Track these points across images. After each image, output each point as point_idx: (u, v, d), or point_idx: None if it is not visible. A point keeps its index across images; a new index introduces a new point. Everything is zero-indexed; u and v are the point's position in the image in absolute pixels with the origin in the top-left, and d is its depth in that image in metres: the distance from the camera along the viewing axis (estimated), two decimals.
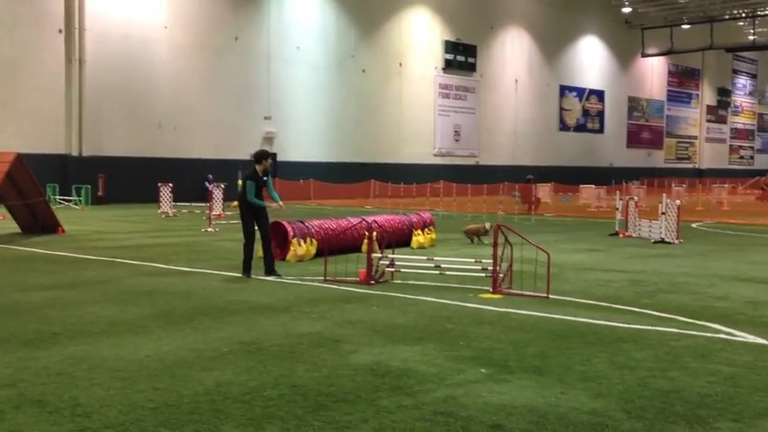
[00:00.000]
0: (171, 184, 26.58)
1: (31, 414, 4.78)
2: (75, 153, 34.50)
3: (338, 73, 44.90)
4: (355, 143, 45.52)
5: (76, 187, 31.75)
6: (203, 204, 26.54)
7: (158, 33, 36.98)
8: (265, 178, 11.14)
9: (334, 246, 12.21)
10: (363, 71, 46.15)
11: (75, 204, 30.45)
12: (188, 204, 27.77)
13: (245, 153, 39.25)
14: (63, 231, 18.21)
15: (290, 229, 12.90)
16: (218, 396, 5.20)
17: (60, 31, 34.01)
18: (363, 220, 12.52)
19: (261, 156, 11.28)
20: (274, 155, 40.85)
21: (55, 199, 29.63)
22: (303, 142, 42.89)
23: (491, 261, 9.59)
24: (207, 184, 34.47)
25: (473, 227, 16.24)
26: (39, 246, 15.37)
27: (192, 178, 36.19)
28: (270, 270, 11.03)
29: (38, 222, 18.19)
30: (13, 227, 18.71)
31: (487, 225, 12.37)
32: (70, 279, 10.77)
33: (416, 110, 49.23)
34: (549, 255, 9.38)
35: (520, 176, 36.53)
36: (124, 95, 35.74)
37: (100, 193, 33.58)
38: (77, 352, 6.37)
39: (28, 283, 10.22)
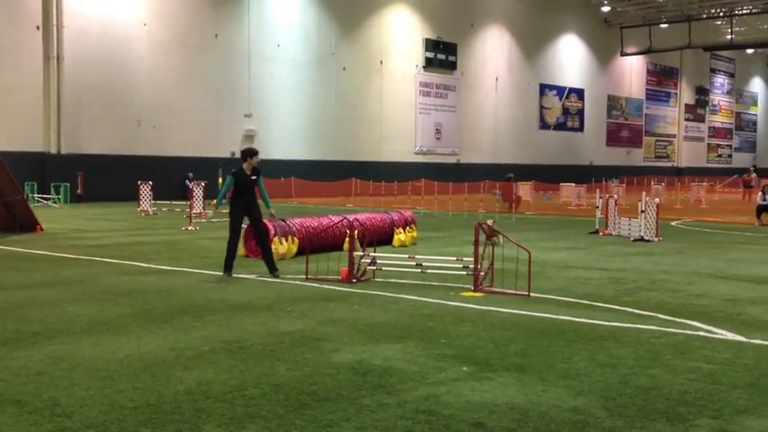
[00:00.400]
0: (151, 183, 26.40)
1: (10, 414, 4.74)
2: (53, 151, 34.18)
3: (319, 71, 44.81)
4: (336, 141, 45.47)
5: (55, 185, 31.44)
6: (184, 203, 26.38)
7: (137, 30, 36.71)
8: (254, 177, 11.01)
9: (315, 244, 12.20)
10: (344, 69, 46.10)
11: (54, 203, 30.16)
12: (168, 203, 27.61)
13: (225, 151, 39.12)
14: (41, 230, 18.03)
15: (270, 227, 12.86)
16: (200, 395, 5.17)
17: (38, 27, 33.66)
18: (345, 218, 12.50)
19: (247, 153, 11.19)
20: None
21: (33, 197, 29.34)
22: (284, 140, 42.77)
23: (472, 259, 9.62)
24: (187, 182, 34.28)
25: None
26: (16, 244, 15.21)
27: (171, 176, 35.95)
28: (271, 268, 10.89)
29: (15, 221, 17.99)
30: None
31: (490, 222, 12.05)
32: (49, 278, 10.67)
33: (397, 108, 49.26)
34: (529, 253, 9.42)
35: (500, 175, 36.67)
36: (103, 93, 35.45)
37: (79, 192, 33.29)
38: (57, 351, 6.31)
39: (6, 282, 10.12)
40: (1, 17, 32.54)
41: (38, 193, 30.73)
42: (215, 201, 11.73)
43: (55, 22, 33.88)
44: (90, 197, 33.26)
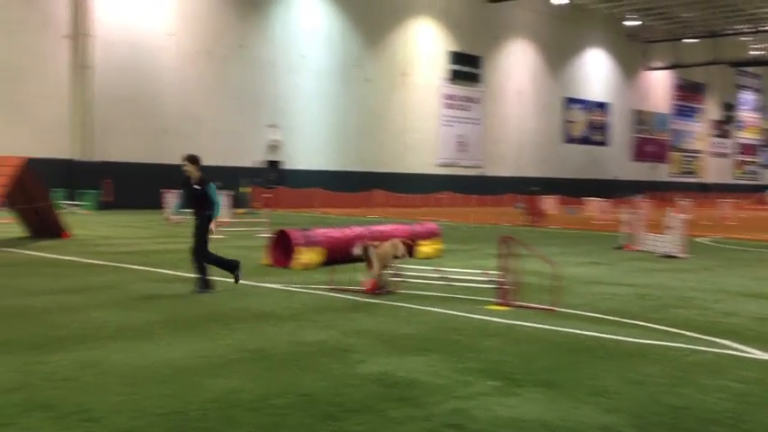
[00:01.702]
0: (176, 191, 26.59)
1: (39, 419, 4.77)
2: (81, 158, 34.59)
3: (343, 81, 45.03)
4: (359, 152, 45.62)
5: (83, 192, 31.79)
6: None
7: (165, 41, 37.13)
8: (197, 187, 10.36)
9: (339, 254, 12.21)
10: (368, 80, 46.28)
11: (81, 209, 30.48)
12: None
13: (249, 161, 39.35)
14: (69, 236, 18.23)
15: (295, 237, 12.89)
16: (227, 404, 5.18)
17: (67, 37, 34.14)
18: (367, 230, 12.50)
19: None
20: (279, 162, 40.94)
21: (61, 204, 29.66)
22: (307, 150, 42.98)
23: (498, 273, 9.57)
24: None
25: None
26: (45, 250, 15.38)
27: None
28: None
29: (44, 227, 18.20)
30: (20, 231, 18.73)
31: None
32: (77, 284, 10.76)
33: (420, 120, 49.34)
34: (555, 267, 9.36)
35: (524, 188, 36.54)
36: (130, 102, 35.87)
37: (106, 199, 33.62)
38: (85, 357, 6.36)
39: (34, 288, 10.22)
40: (31, 27, 33.04)
41: (65, 200, 31.08)
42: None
43: (84, 32, 34.35)
44: (117, 204, 33.58)
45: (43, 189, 17.72)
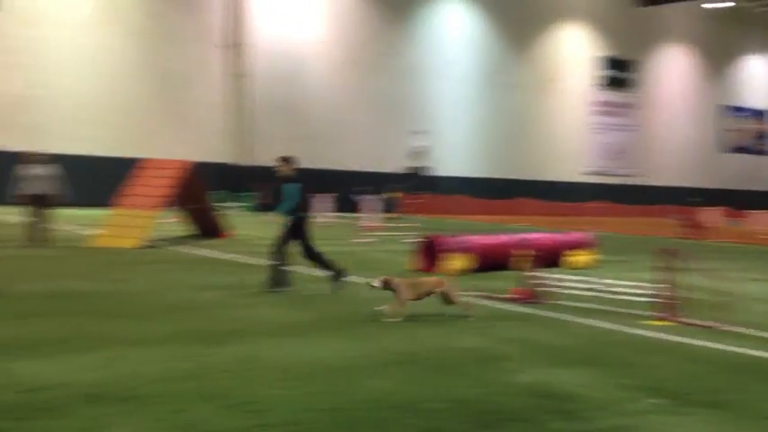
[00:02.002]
0: (325, 195, 27.37)
1: (209, 408, 5.02)
2: (238, 162, 36.31)
3: (488, 87, 44.79)
4: (503, 158, 45.19)
5: (241, 194, 33.36)
6: (356, 215, 27.11)
7: (315, 48, 38.37)
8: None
9: (489, 262, 12.13)
10: (513, 86, 45.79)
11: (240, 211, 31.95)
12: (341, 214, 28.55)
13: (392, 166, 39.90)
14: (229, 236, 19.14)
15: (446, 242, 12.92)
16: (384, 404, 5.25)
17: (222, 46, 35.96)
18: (521, 237, 12.33)
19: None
20: (423, 168, 41.20)
21: (221, 205, 31.23)
22: (451, 156, 43.03)
23: (657, 286, 9.18)
24: (355, 195, 35.25)
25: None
26: (207, 248, 16.22)
27: (343, 189, 37.12)
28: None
29: (206, 227, 19.22)
30: (185, 231, 19.87)
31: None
32: (236, 281, 11.27)
33: (569, 126, 48.24)
34: (723, 283, 8.85)
35: (680, 198, 34.89)
36: (283, 108, 37.32)
37: (263, 201, 35.11)
38: (249, 351, 6.64)
39: (200, 283, 10.79)
40: (189, 36, 35.07)
41: (225, 202, 32.69)
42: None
43: (240, 41, 36.09)
44: (271, 207, 34.96)
45: (205, 191, 18.71)
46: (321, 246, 11.00)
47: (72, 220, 21.23)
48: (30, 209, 15.18)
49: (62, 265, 12.23)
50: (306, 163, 38.64)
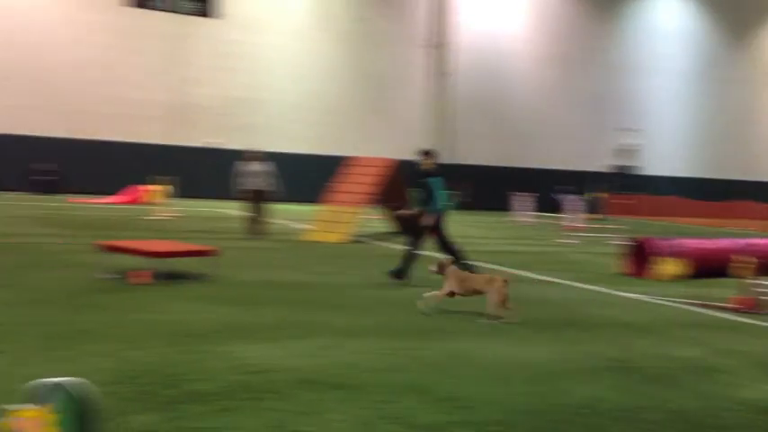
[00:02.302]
0: (527, 194, 27.05)
1: (416, 401, 5.12)
2: (441, 161, 36.79)
3: (702, 83, 42.18)
4: (721, 158, 42.35)
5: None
6: (558, 215, 26.60)
7: (520, 45, 37.96)
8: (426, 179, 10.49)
9: (706, 268, 11.41)
10: (732, 81, 42.73)
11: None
12: (544, 214, 28.09)
13: (595, 165, 38.58)
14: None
15: (658, 246, 12.32)
16: (591, 411, 5.10)
17: (429, 46, 36.54)
18: (746, 242, 11.48)
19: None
20: (631, 167, 39.48)
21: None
22: (662, 155, 40.96)
23: None
24: (558, 195, 34.49)
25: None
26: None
27: (548, 189, 36.48)
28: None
29: (407, 224, 19.63)
30: (387, 227, 20.44)
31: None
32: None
33: None
34: None
35: None
36: (485, 106, 37.31)
37: (465, 200, 35.33)
38: (453, 348, 6.70)
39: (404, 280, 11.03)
40: (393, 38, 35.98)
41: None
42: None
43: (444, 40, 36.49)
44: (471, 206, 35.12)
45: (405, 190, 19.11)
46: (521, 246, 10.87)
47: (285, 215, 22.52)
48: (248, 204, 16.28)
49: (277, 257, 13.02)
50: (507, 161, 38.71)
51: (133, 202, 26.11)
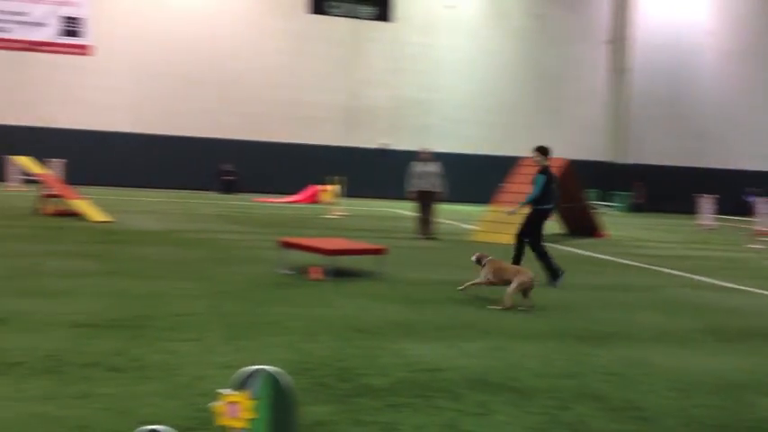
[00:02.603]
0: (713, 196, 25.51)
1: (591, 407, 4.96)
2: (615, 160, 35.52)
3: None
4: None
5: (616, 194, 32.64)
6: (748, 218, 24.88)
7: (703, 40, 35.87)
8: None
9: None
10: None
11: (613, 210, 31.29)
12: (729, 218, 26.37)
13: None
14: (604, 236, 18.83)
15: None
16: None
17: (607, 42, 35.33)
18: None
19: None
20: None
21: (594, 204, 30.90)
22: None
23: None
24: (748, 197, 32.21)
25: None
26: (582, 248, 16.14)
27: (733, 190, 34.24)
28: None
29: (581, 225, 19.14)
30: (558, 228, 20.04)
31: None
32: (614, 282, 11.03)
33: None
34: None
35: None
36: (667, 104, 35.58)
37: (638, 201, 33.92)
38: (630, 354, 6.44)
39: (577, 282, 10.75)
40: (570, 33, 35.08)
41: (599, 201, 32.28)
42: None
43: (624, 36, 35.15)
44: (649, 207, 33.64)
45: (580, 190, 18.60)
46: (705, 250, 10.26)
47: (453, 216, 22.62)
48: (419, 204, 16.45)
49: (446, 257, 13.08)
50: (686, 161, 36.78)
51: (311, 201, 27.22)
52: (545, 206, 10.63)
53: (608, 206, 31.96)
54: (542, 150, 10.80)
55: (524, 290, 8.33)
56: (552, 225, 20.05)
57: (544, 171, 10.64)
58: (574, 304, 8.87)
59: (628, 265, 13.42)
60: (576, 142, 34.72)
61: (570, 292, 9.82)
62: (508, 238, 16.06)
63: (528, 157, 19.34)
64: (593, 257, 14.40)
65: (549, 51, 35.03)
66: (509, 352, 6.31)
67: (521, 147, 32.70)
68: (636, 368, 6.00)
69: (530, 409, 4.86)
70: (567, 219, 19.45)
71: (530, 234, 10.59)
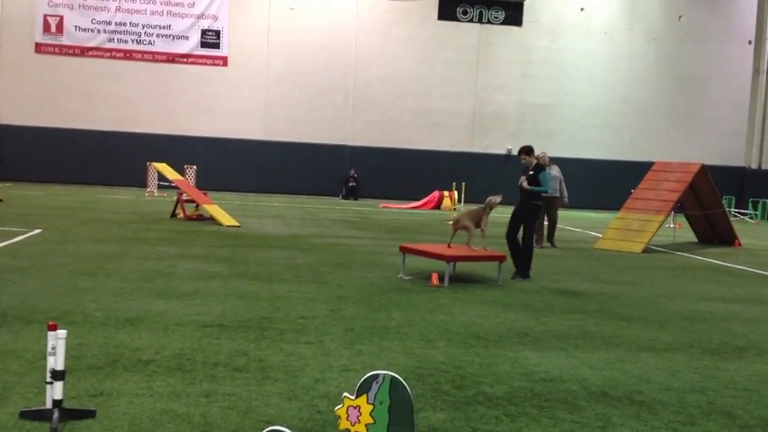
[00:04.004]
0: None
1: (721, 424, 4.73)
2: (753, 166, 33.65)
3: None
4: None
5: (753, 201, 30.91)
6: None
7: None
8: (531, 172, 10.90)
9: None
10: None
11: (751, 218, 29.66)
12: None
13: None
14: (739, 245, 17.88)
15: None
16: None
17: (750, 42, 33.52)
18: None
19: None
20: None
21: (731, 211, 29.37)
22: None
23: None
24: None
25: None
26: (715, 257, 15.38)
27: None
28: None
29: (715, 234, 18.24)
30: (690, 236, 19.17)
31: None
32: (750, 294, 10.45)
33: None
34: None
35: None
36: None
37: None
38: (764, 370, 6.09)
39: (708, 293, 10.28)
40: (715, 33, 33.45)
41: (735, 208, 30.66)
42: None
43: (767, 36, 33.30)
44: None
45: (716, 196, 17.73)
46: None
47: (578, 222, 22.07)
48: (543, 210, 15.97)
49: (569, 265, 12.78)
50: None
51: (434, 206, 27.29)
52: (539, 201, 11.10)
53: (744, 214, 30.29)
54: (530, 150, 11.17)
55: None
56: (685, 233, 19.23)
57: (540, 167, 10.96)
58: (703, 316, 8.46)
59: (763, 275, 12.67)
60: (713, 147, 33.16)
61: (699, 303, 9.38)
62: (636, 245, 15.56)
63: (663, 162, 18.65)
64: (726, 267, 13.68)
65: (687, 53, 33.58)
66: (633, 364, 6.09)
67: (653, 152, 31.59)
68: None
69: (654, 423, 4.67)
70: (700, 226, 18.58)
71: (530, 227, 10.86)
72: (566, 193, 16.06)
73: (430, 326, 7.11)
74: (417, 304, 8.20)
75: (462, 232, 10.52)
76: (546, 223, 15.81)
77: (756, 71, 33.54)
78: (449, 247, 10.28)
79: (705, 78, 33.57)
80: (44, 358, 4.28)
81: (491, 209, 10.61)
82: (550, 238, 15.81)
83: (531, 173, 10.84)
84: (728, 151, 33.45)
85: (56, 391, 4.08)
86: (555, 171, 15.63)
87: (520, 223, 10.82)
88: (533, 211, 10.86)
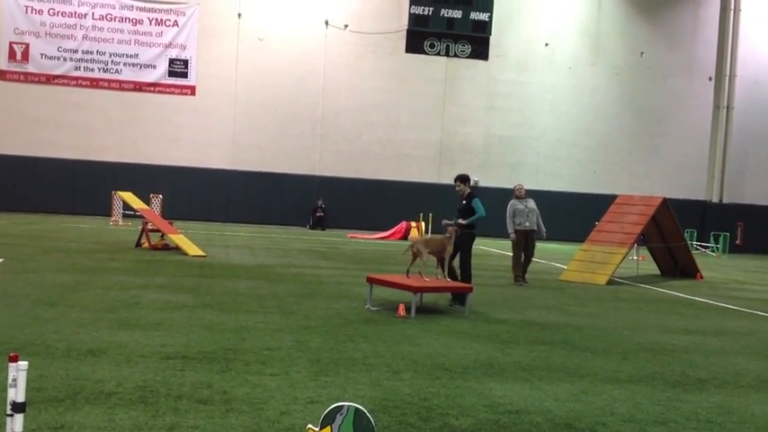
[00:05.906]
0: None
1: None
2: (714, 200, 34.33)
3: None
4: None
5: (714, 234, 31.49)
6: None
7: None
8: (464, 202, 11.41)
9: None
10: None
11: (712, 252, 30.18)
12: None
13: None
14: (701, 277, 18.17)
15: None
16: None
17: (710, 78, 34.38)
18: None
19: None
20: None
21: (693, 244, 29.86)
22: None
23: None
24: None
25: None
26: (677, 289, 15.61)
27: None
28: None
29: (677, 266, 18.53)
30: (653, 268, 19.44)
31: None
32: (711, 326, 10.61)
33: None
34: None
35: None
36: (765, 142, 34.33)
37: (738, 242, 32.66)
38: (725, 402, 6.18)
39: (670, 325, 10.42)
40: (677, 69, 34.26)
41: (697, 241, 31.18)
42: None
43: (727, 72, 34.18)
44: (748, 248, 32.31)
45: (678, 229, 18.04)
46: None
47: (543, 254, 22.26)
48: (519, 244, 15.57)
49: (535, 296, 12.89)
50: None
51: (402, 237, 27.36)
52: (473, 230, 11.43)
53: (705, 247, 30.82)
54: (465, 179, 11.66)
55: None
56: (646, 265, 19.50)
57: (472, 196, 11.42)
58: (665, 348, 8.58)
59: (726, 308, 12.89)
60: (674, 180, 33.78)
61: (662, 335, 9.51)
62: (600, 278, 15.72)
63: (625, 195, 18.92)
64: (688, 299, 13.90)
65: (649, 88, 34.32)
66: (596, 396, 6.15)
67: (616, 185, 32.09)
68: (731, 416, 5.75)
69: None
70: (662, 259, 18.86)
71: (466, 255, 11.14)
72: (543, 228, 15.62)
73: (396, 357, 7.12)
74: (384, 335, 8.20)
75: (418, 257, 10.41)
76: (524, 256, 15.35)
77: (717, 106, 34.37)
78: (407, 276, 10.27)
79: (667, 113, 34.31)
80: (4, 390, 4.21)
81: (452, 236, 10.65)
82: (524, 271, 15.50)
83: (464, 202, 11.31)
84: (690, 185, 34.10)
85: (16, 424, 4.01)
86: (531, 204, 15.40)
87: (456, 252, 11.02)
88: (469, 240, 11.29)
